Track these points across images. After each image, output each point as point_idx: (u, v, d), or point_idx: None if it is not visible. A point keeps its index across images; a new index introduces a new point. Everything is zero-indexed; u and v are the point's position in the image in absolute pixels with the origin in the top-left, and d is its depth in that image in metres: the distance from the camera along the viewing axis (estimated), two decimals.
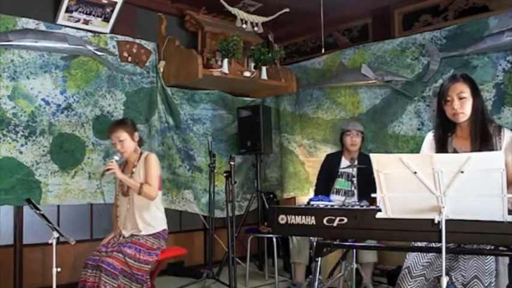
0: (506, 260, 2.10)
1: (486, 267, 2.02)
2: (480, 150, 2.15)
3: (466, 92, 2.24)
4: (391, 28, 4.55)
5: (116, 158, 3.08)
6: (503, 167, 1.60)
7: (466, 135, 2.30)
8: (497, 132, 2.24)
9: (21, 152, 3.60)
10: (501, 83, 3.62)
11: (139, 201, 3.09)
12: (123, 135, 3.12)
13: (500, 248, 1.86)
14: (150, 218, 3.10)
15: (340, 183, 3.94)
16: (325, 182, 4.02)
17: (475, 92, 2.26)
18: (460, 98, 2.24)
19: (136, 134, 3.20)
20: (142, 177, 3.10)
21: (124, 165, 3.27)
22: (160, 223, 3.16)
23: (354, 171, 3.72)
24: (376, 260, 3.77)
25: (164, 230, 3.18)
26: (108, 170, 2.97)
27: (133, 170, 3.14)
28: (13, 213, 3.75)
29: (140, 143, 3.29)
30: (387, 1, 4.48)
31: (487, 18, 3.70)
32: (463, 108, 2.24)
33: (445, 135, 2.33)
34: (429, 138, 2.43)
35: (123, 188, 3.17)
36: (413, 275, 2.11)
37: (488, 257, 2.05)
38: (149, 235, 3.07)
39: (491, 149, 2.17)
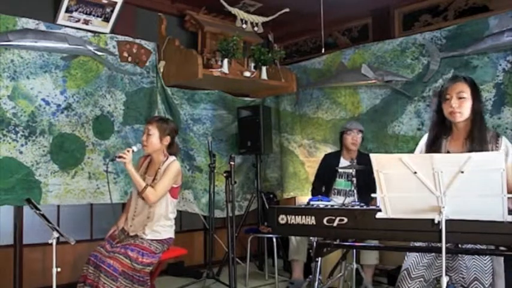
0: (501, 259, 2.10)
1: (485, 268, 2.02)
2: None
3: (466, 92, 2.19)
4: (391, 28, 4.56)
5: (135, 148, 3.02)
6: (503, 167, 1.60)
7: (461, 138, 2.24)
8: (494, 140, 2.19)
9: (21, 152, 3.60)
10: (501, 83, 3.62)
11: (155, 209, 3.04)
12: (153, 129, 3.08)
13: (501, 248, 1.86)
14: (158, 226, 3.05)
15: (340, 183, 3.93)
16: (324, 182, 3.99)
17: (475, 94, 2.21)
18: (459, 98, 2.19)
19: (167, 139, 3.12)
20: None
21: (149, 163, 3.21)
22: (167, 231, 3.10)
23: (353, 171, 3.70)
24: (377, 262, 3.77)
25: (170, 238, 3.13)
26: (120, 157, 2.92)
27: (158, 172, 3.08)
28: (13, 213, 3.74)
29: (173, 150, 3.20)
30: (387, 1, 4.48)
31: (487, 18, 3.70)
32: (460, 107, 2.18)
33: (440, 136, 2.28)
34: (424, 139, 2.39)
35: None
36: (413, 276, 2.10)
37: (486, 256, 2.05)
38: (153, 240, 3.03)
39: None
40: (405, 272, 2.13)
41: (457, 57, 3.83)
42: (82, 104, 3.92)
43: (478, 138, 2.17)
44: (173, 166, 3.07)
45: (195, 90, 4.65)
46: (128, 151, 2.95)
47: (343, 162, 3.93)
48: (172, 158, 3.14)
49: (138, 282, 2.87)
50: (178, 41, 4.34)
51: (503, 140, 2.19)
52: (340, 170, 3.89)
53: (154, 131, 3.07)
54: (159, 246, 3.03)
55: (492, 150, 2.15)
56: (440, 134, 2.28)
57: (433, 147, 2.26)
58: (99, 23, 4.00)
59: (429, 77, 3.98)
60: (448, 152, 2.24)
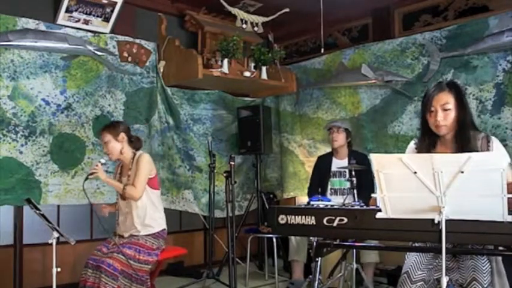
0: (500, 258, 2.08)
1: (484, 267, 2.01)
2: None
3: (451, 102, 2.14)
4: (391, 28, 4.55)
5: (102, 160, 3.10)
6: (503, 167, 1.60)
7: (449, 149, 2.20)
8: (485, 144, 2.14)
9: (21, 152, 3.60)
10: (501, 83, 3.61)
11: (138, 204, 3.10)
12: (106, 137, 3.15)
13: (500, 248, 1.86)
14: (148, 219, 3.11)
15: (335, 183, 3.97)
16: (319, 183, 4.05)
17: (461, 103, 2.15)
18: (444, 110, 2.14)
19: (122, 135, 3.16)
20: None
21: (121, 168, 3.29)
22: (159, 223, 3.17)
23: (347, 170, 3.73)
24: (378, 260, 3.78)
25: (163, 230, 3.19)
26: (92, 173, 3.01)
27: (129, 172, 3.14)
28: (13, 213, 3.74)
29: (137, 144, 3.26)
30: (387, 1, 4.48)
31: (487, 18, 3.70)
32: (446, 120, 2.14)
33: (427, 148, 2.22)
34: (410, 148, 2.35)
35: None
36: (413, 279, 2.09)
37: (484, 256, 2.03)
38: (148, 235, 3.07)
39: None
40: (405, 275, 2.12)
41: (457, 57, 3.83)
42: (82, 104, 3.92)
43: (466, 147, 2.11)
44: (142, 158, 3.13)
45: (195, 90, 4.65)
46: (97, 165, 3.04)
47: (335, 161, 4.00)
48: (139, 152, 3.23)
49: (137, 282, 2.88)
50: (178, 41, 4.34)
51: (495, 144, 2.15)
52: (333, 170, 3.97)
53: (108, 138, 3.15)
54: (154, 241, 3.07)
55: None
56: (428, 145, 2.23)
57: None
58: (99, 23, 4.00)
59: (429, 77, 3.98)
60: None
